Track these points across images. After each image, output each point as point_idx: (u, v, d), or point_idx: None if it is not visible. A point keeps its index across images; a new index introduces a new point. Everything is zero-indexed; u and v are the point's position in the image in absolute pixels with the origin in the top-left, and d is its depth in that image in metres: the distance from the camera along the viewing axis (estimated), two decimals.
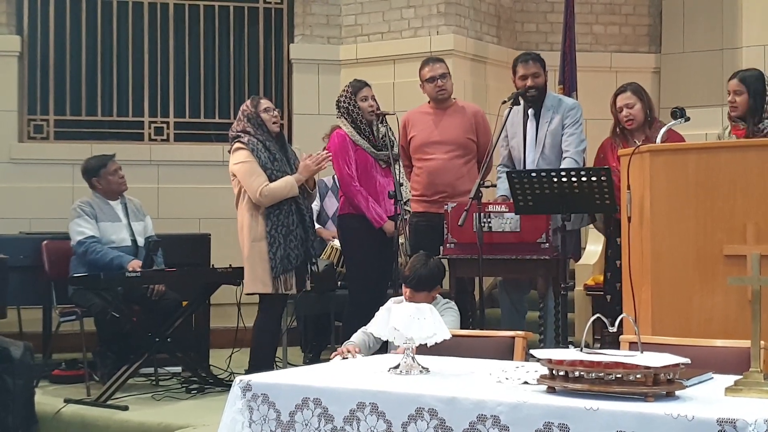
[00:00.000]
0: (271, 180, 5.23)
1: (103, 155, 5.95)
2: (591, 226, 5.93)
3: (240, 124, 5.38)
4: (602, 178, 4.43)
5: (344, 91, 5.59)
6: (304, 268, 5.40)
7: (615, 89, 5.33)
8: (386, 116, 5.56)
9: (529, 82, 5.38)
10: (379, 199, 5.46)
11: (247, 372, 4.89)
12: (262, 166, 5.24)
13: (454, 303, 4.46)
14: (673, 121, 4.30)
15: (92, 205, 5.75)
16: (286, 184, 5.25)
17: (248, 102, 5.45)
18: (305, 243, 5.35)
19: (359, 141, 5.48)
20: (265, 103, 5.44)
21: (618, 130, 5.21)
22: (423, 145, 5.70)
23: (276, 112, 5.47)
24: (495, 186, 5.57)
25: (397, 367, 2.70)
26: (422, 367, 2.70)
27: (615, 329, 2.48)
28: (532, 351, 2.50)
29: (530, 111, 5.46)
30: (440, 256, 5.10)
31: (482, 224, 4.85)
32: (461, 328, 4.38)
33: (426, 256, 4.35)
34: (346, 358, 3.50)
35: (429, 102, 5.81)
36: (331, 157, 5.37)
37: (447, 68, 5.72)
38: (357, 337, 4.03)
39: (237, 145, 5.32)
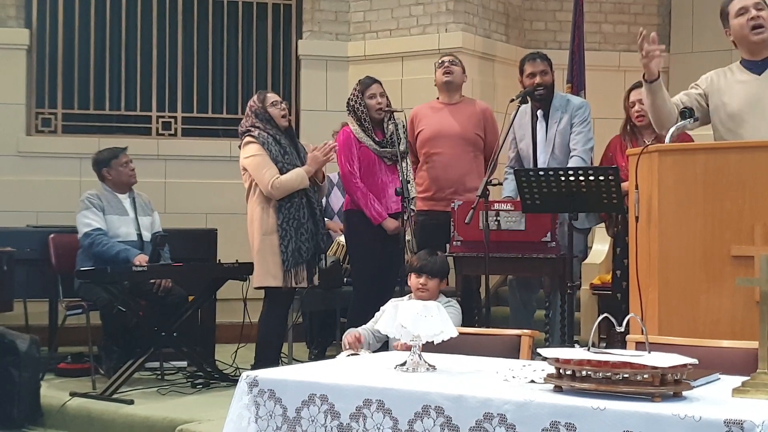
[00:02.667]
0: (282, 173, 5.25)
1: (115, 147, 5.98)
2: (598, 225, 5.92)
3: (249, 119, 5.42)
4: (610, 177, 4.42)
5: (354, 88, 5.61)
6: (314, 261, 5.41)
7: (623, 88, 5.33)
8: (394, 113, 5.57)
9: (537, 80, 5.38)
10: (380, 197, 5.47)
11: (253, 367, 4.89)
12: (273, 159, 5.27)
13: (455, 301, 4.47)
14: (682, 122, 4.28)
15: (100, 197, 5.77)
16: (297, 175, 5.27)
17: (255, 97, 5.48)
18: (315, 236, 5.37)
19: (363, 138, 5.49)
20: (272, 97, 5.46)
21: (628, 127, 5.20)
22: (431, 138, 5.72)
23: (284, 105, 5.48)
24: (501, 184, 5.57)
25: (403, 364, 2.70)
26: (429, 364, 2.70)
27: (622, 329, 2.47)
28: (539, 350, 2.50)
29: (539, 112, 5.46)
30: (447, 253, 5.11)
31: (489, 222, 4.85)
32: (467, 326, 4.38)
33: (431, 250, 4.41)
34: (356, 354, 3.50)
35: (438, 98, 5.84)
36: (337, 148, 5.39)
37: (459, 62, 5.82)
38: (359, 330, 4.04)
39: (247, 139, 5.35)
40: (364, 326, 4.05)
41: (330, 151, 5.33)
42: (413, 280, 4.30)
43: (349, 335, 3.94)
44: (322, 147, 5.34)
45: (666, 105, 4.00)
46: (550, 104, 5.46)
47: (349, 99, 5.60)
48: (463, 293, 5.08)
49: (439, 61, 5.82)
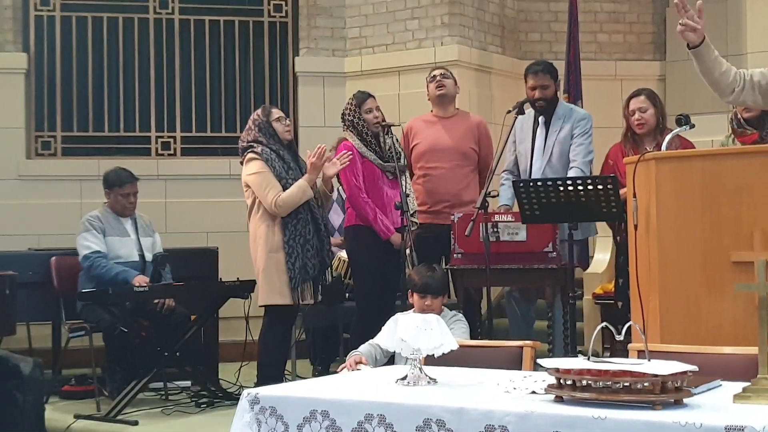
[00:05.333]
0: (287, 189, 5.22)
1: (129, 174, 5.89)
2: (599, 234, 5.92)
3: (250, 133, 5.35)
4: (608, 186, 4.42)
5: (348, 103, 5.60)
6: (320, 278, 5.38)
7: (620, 97, 5.33)
8: (392, 127, 5.57)
9: (537, 94, 5.39)
10: (386, 211, 5.46)
11: (256, 386, 4.88)
12: (277, 176, 5.21)
13: (462, 315, 4.45)
14: (678, 128, 4.29)
15: (101, 219, 5.77)
16: (299, 189, 5.22)
17: (259, 111, 5.42)
18: (321, 252, 5.32)
19: (366, 153, 5.48)
20: (276, 112, 5.42)
21: (629, 135, 5.20)
22: (426, 152, 5.73)
23: (288, 122, 5.46)
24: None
25: (404, 378, 2.70)
26: (430, 377, 2.70)
27: (622, 337, 2.47)
28: (539, 360, 2.50)
29: (541, 119, 5.47)
30: (447, 266, 5.10)
31: (489, 234, 4.84)
32: (469, 338, 4.37)
33: (429, 265, 4.35)
34: (354, 370, 3.50)
35: (432, 111, 5.86)
36: (325, 147, 5.34)
37: (450, 74, 5.87)
38: (364, 348, 4.01)
39: (250, 155, 5.27)
40: (370, 341, 4.02)
41: (323, 153, 5.27)
42: (417, 301, 4.21)
43: (350, 359, 3.91)
44: (316, 151, 5.28)
45: (715, 71, 3.90)
46: (552, 112, 5.46)
47: (344, 114, 5.58)
48: (465, 306, 5.08)
49: (431, 76, 5.83)
